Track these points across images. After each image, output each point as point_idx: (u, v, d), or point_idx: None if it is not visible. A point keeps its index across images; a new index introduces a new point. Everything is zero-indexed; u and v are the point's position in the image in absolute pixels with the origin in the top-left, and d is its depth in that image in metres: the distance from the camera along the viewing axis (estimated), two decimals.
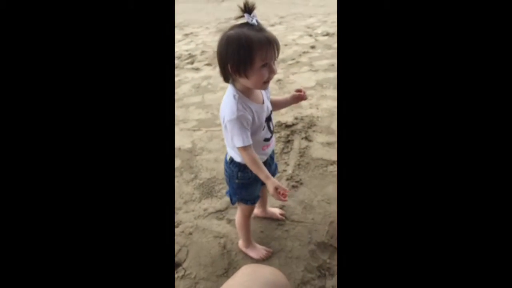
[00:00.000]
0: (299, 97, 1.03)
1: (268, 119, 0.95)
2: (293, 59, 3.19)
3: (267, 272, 0.64)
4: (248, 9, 0.79)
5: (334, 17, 4.83)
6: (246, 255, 1.19)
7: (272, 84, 2.51)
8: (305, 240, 1.22)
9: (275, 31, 4.25)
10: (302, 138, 1.86)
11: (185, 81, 2.92)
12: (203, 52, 3.72)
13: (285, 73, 2.84)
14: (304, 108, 2.18)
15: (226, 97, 0.88)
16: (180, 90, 2.71)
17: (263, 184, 0.99)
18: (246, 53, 0.77)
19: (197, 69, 3.20)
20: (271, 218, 1.33)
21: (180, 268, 1.16)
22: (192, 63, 3.41)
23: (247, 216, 1.12)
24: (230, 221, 1.34)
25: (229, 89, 0.88)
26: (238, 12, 0.80)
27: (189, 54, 3.68)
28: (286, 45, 3.63)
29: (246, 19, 0.79)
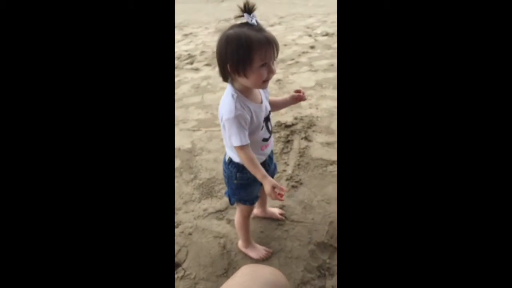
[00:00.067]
0: (298, 97, 1.04)
1: (267, 119, 0.95)
2: (293, 59, 3.19)
3: (267, 272, 0.64)
4: (248, 9, 0.79)
5: (333, 17, 4.84)
6: (245, 255, 1.19)
7: (271, 84, 2.51)
8: (305, 240, 1.22)
9: (275, 31, 4.26)
10: (302, 138, 1.86)
11: (184, 81, 2.92)
12: (202, 52, 3.72)
13: (285, 73, 2.85)
14: (304, 108, 2.18)
15: (225, 96, 0.88)
16: (180, 90, 2.71)
17: (261, 184, 0.99)
18: (245, 53, 0.78)
19: (196, 69, 3.20)
20: (271, 218, 1.33)
21: (180, 268, 1.16)
22: (191, 63, 3.41)
23: (246, 217, 1.12)
24: (229, 221, 1.34)
25: (228, 88, 0.88)
26: (238, 12, 0.80)
27: (189, 54, 3.68)
28: (285, 45, 3.63)
29: (245, 19, 0.79)
